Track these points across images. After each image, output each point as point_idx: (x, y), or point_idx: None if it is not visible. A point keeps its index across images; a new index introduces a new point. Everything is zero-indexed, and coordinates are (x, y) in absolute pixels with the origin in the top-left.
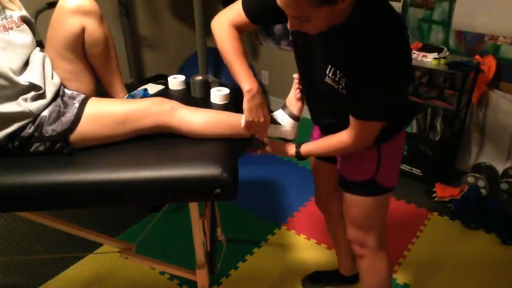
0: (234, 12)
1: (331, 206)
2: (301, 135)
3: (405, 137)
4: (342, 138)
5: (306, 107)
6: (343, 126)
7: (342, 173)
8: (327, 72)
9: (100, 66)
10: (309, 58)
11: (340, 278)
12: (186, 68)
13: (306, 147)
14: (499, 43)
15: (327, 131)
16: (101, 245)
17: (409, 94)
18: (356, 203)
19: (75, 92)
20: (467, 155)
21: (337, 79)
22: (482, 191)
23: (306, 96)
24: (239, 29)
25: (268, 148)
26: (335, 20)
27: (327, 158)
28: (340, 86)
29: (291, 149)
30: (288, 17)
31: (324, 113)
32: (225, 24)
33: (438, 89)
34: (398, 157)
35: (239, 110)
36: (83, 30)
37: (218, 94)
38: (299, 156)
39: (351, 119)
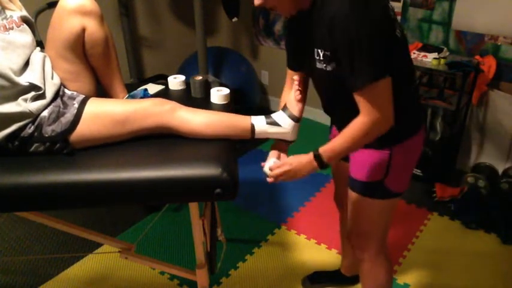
0: (287, 74)
1: (346, 205)
2: (302, 136)
3: (421, 144)
4: (359, 121)
5: (306, 107)
6: (355, 111)
7: (352, 171)
8: (316, 57)
9: (100, 67)
10: (300, 52)
11: (340, 278)
12: (186, 68)
13: (325, 148)
14: (499, 43)
15: (341, 121)
16: (101, 245)
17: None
18: (361, 204)
19: (75, 93)
20: (467, 155)
21: (321, 58)
22: (482, 191)
23: (318, 92)
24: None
25: (282, 174)
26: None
27: (344, 157)
28: (327, 65)
29: (308, 158)
30: None
31: (331, 101)
32: (285, 85)
33: (438, 89)
34: (411, 162)
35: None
36: (83, 31)
37: (218, 94)
38: (320, 161)
39: (356, 98)
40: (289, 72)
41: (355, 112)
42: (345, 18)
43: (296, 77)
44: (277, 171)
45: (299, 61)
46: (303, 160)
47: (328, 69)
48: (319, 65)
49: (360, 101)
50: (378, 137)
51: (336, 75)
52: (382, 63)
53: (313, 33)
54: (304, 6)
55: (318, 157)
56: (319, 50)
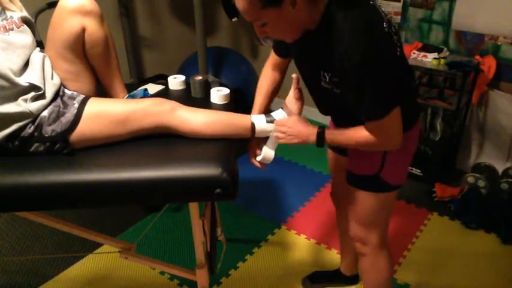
0: (271, 55)
1: (344, 201)
2: None
3: (416, 138)
4: (368, 138)
5: (305, 107)
6: (353, 118)
7: (349, 166)
8: (321, 77)
9: (100, 67)
10: (302, 66)
11: (340, 278)
12: (186, 68)
13: (331, 135)
14: (499, 43)
15: (338, 119)
16: (101, 245)
17: (404, 70)
18: (360, 198)
19: (75, 92)
20: (467, 155)
21: (327, 80)
22: (482, 191)
23: (311, 96)
24: (278, 66)
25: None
26: (298, 24)
27: (342, 151)
28: (334, 87)
29: (311, 131)
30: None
31: (330, 110)
32: (266, 66)
33: (438, 89)
34: (406, 156)
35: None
36: (83, 31)
37: (218, 94)
38: (321, 141)
39: (366, 124)
40: (274, 55)
41: (351, 118)
42: (357, 54)
43: (295, 76)
44: (281, 128)
45: (292, 57)
46: (303, 129)
47: (335, 91)
48: (324, 85)
49: (369, 128)
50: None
51: (343, 96)
52: (391, 96)
53: (319, 56)
54: (311, 27)
55: (320, 136)
56: (326, 74)
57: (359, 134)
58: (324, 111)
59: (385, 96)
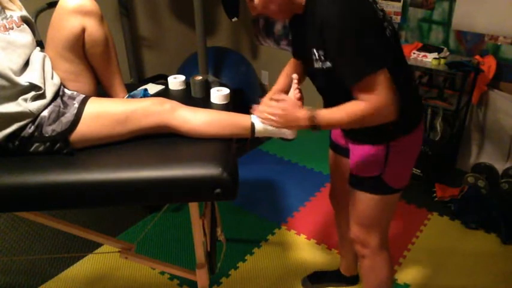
0: (290, 60)
1: (342, 203)
2: (301, 135)
3: (420, 140)
4: (360, 106)
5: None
6: None
7: (351, 167)
8: (313, 57)
9: (100, 67)
10: (302, 56)
11: (340, 278)
12: (186, 68)
13: (323, 117)
14: (499, 43)
15: None
16: (101, 245)
17: (387, 40)
18: (361, 200)
19: (75, 92)
20: (467, 155)
21: (318, 57)
22: (482, 191)
23: (319, 92)
24: (299, 65)
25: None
26: (281, 3)
27: (344, 152)
28: (324, 63)
29: (303, 115)
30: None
31: (332, 99)
32: (284, 70)
33: (438, 89)
34: (409, 158)
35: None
36: (83, 31)
37: (218, 94)
38: (313, 122)
39: (355, 93)
40: (293, 59)
41: None
42: (333, 18)
43: (295, 76)
44: (271, 109)
45: (302, 57)
46: (299, 114)
47: (324, 67)
48: (316, 65)
49: (359, 94)
50: (381, 122)
51: (333, 74)
52: (374, 57)
53: (308, 35)
54: (298, 11)
55: (313, 119)
56: (315, 50)
57: (354, 106)
58: (328, 104)
59: (368, 55)
